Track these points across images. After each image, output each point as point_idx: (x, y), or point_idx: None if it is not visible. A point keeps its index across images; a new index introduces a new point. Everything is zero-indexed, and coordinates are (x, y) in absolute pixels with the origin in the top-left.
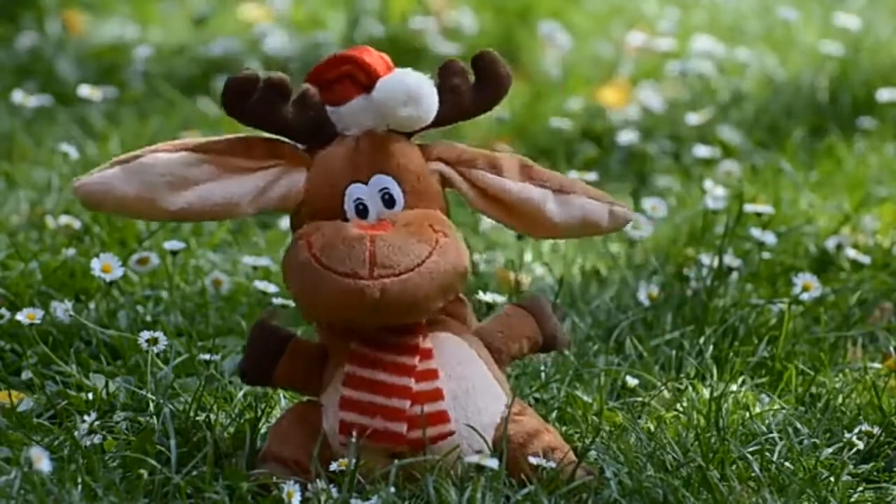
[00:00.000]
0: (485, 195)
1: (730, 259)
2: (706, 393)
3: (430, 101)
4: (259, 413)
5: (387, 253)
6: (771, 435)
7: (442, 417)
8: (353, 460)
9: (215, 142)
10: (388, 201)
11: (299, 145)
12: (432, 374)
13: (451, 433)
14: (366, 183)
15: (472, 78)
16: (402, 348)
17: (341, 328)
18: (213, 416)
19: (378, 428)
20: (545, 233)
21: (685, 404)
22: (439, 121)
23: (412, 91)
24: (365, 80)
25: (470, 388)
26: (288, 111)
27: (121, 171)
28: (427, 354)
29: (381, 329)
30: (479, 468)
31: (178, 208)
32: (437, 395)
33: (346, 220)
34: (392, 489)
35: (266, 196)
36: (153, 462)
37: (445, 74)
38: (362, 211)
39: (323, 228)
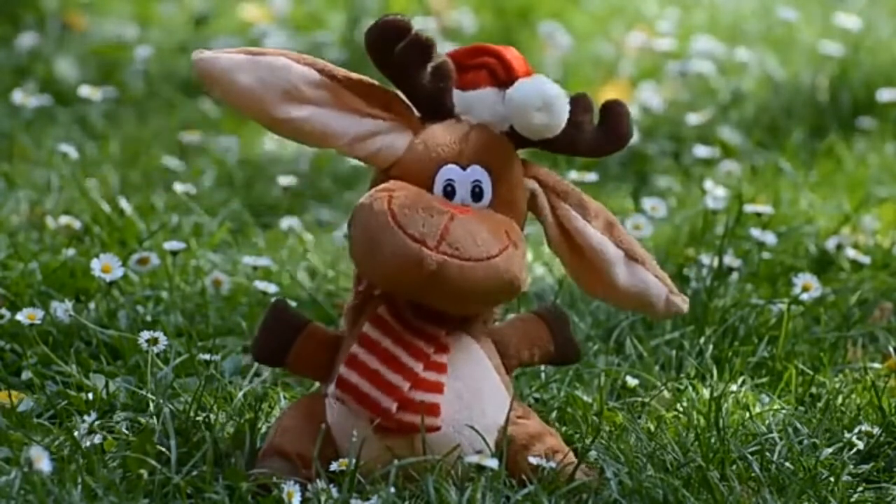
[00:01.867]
0: (564, 232)
1: (730, 259)
2: (706, 393)
3: (562, 113)
4: (259, 413)
5: (460, 235)
6: (771, 435)
7: (432, 409)
8: (354, 460)
9: (344, 73)
10: (477, 195)
11: (416, 110)
12: (441, 368)
13: (438, 428)
14: (464, 168)
15: (596, 119)
16: (423, 334)
17: (381, 294)
18: (213, 416)
19: (370, 396)
20: (603, 292)
21: (685, 404)
22: (552, 145)
23: (549, 99)
24: (502, 75)
25: (476, 390)
26: (423, 75)
27: (246, 59)
28: (443, 348)
29: (415, 308)
30: (480, 468)
31: (283, 117)
32: (436, 387)
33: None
34: (392, 489)
35: (365, 143)
36: (153, 462)
37: (574, 107)
38: (449, 193)
39: (408, 189)
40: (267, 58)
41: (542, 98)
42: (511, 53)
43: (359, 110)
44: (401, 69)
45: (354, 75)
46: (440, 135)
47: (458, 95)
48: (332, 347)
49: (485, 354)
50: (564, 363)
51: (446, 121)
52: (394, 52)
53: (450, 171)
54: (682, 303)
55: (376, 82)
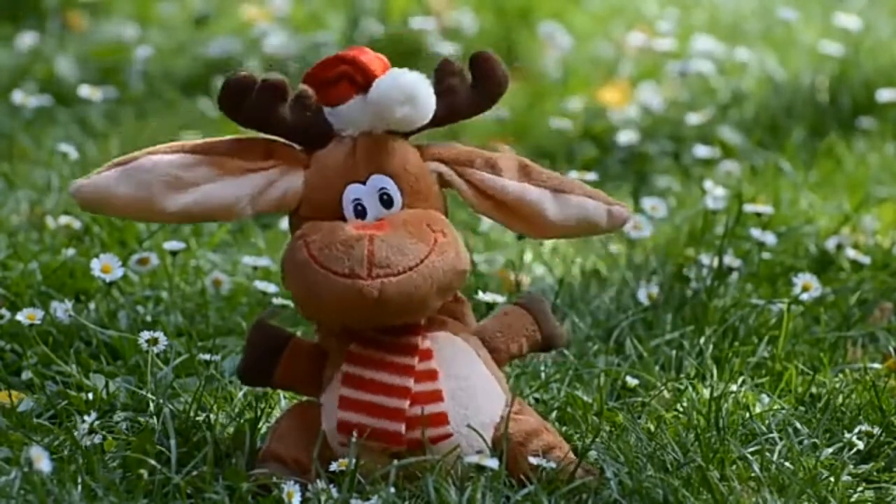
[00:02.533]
0: (483, 195)
1: (730, 259)
2: (706, 393)
3: (426, 100)
4: (259, 413)
5: (385, 253)
6: (771, 435)
7: (441, 419)
8: (353, 460)
9: (213, 143)
10: (387, 202)
11: (297, 146)
12: (432, 375)
13: (450, 435)
14: (364, 183)
15: (469, 78)
16: (401, 348)
17: (341, 329)
18: (213, 416)
19: (377, 427)
20: (543, 233)
21: (685, 404)
22: (436, 121)
23: (408, 90)
24: (362, 80)
25: (469, 388)
26: (285, 112)
27: (118, 173)
28: (426, 355)
29: (381, 329)
30: (480, 468)
31: (176, 209)
32: (436, 396)
33: (345, 220)
34: (392, 489)
35: (264, 197)
36: (153, 462)
37: (442, 74)
38: (361, 211)
39: (321, 228)
40: (136, 163)
41: (401, 91)
42: (364, 55)
43: (246, 169)
44: (262, 117)
45: (227, 138)
46: (329, 159)
47: (330, 113)
48: (318, 359)
49: (474, 353)
50: (553, 348)
51: (330, 144)
52: (248, 106)
53: (353, 191)
54: (624, 209)
55: (248, 136)
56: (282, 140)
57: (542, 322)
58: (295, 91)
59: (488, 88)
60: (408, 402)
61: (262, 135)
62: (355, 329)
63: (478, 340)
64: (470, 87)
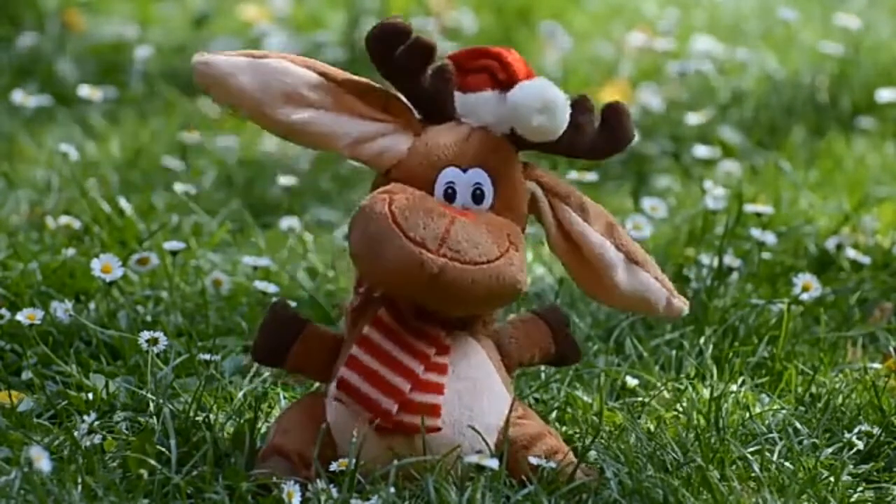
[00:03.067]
0: (563, 233)
1: (730, 259)
2: (706, 393)
3: (563, 116)
4: (259, 413)
5: (460, 238)
6: (771, 435)
7: (433, 410)
8: (353, 460)
9: (343, 76)
10: (478, 197)
11: (416, 112)
12: (442, 369)
13: (438, 429)
14: (464, 171)
15: (597, 121)
16: (423, 335)
17: (382, 295)
18: (213, 416)
19: (371, 398)
20: (604, 294)
21: (685, 404)
22: (554, 148)
23: (549, 101)
24: (503, 77)
25: (476, 389)
26: (425, 77)
27: (247, 62)
28: (444, 350)
29: (415, 310)
30: (480, 468)
31: (283, 120)
32: (437, 388)
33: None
34: (392, 489)
35: (366, 146)
36: (153, 462)
37: (575, 109)
38: (450, 195)
39: (410, 192)
40: (267, 60)
41: (543, 100)
42: (512, 56)
43: (360, 113)
44: (402, 72)
45: (355, 77)
46: (441, 137)
47: (458, 98)
48: (332, 348)
49: (486, 355)
50: (565, 363)
51: (447, 123)
52: (395, 55)
53: (451, 174)
54: (683, 305)
55: (377, 84)
56: (404, 100)
57: (559, 337)
58: (437, 62)
59: (612, 139)
60: (409, 386)
61: (390, 88)
62: (396, 298)
63: (493, 345)
64: (596, 131)
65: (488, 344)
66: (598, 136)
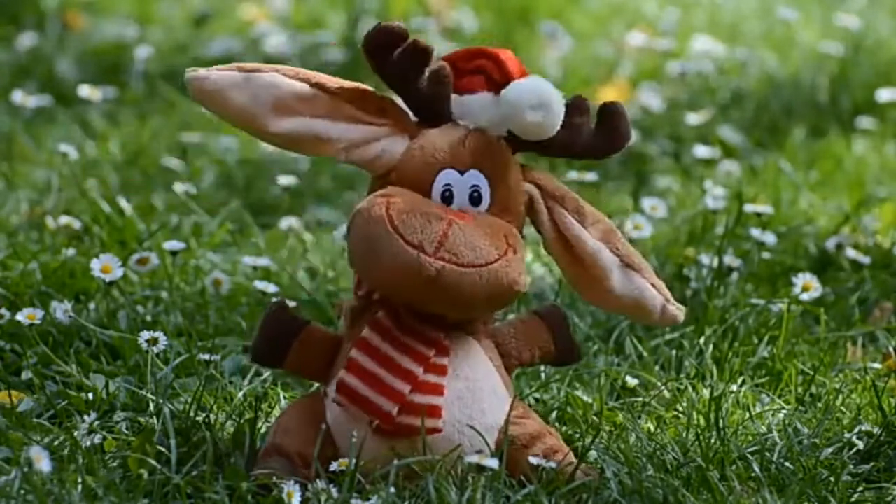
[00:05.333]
0: (559, 236)
1: (730, 259)
2: (706, 393)
3: (558, 112)
4: (259, 413)
5: (458, 241)
6: (771, 435)
7: (434, 412)
8: (354, 460)
9: (337, 84)
10: (476, 199)
11: (412, 115)
12: (441, 370)
13: (439, 430)
14: (461, 173)
15: (593, 122)
16: (423, 337)
17: (380, 297)
18: (213, 416)
19: (371, 401)
20: (599, 298)
21: (685, 404)
22: (550, 149)
23: (544, 98)
24: (498, 78)
25: (476, 390)
26: (421, 80)
27: (240, 77)
28: (443, 351)
29: (414, 313)
30: (480, 468)
31: (279, 131)
32: (437, 390)
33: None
34: (392, 489)
35: (361, 150)
36: (153, 462)
37: (571, 109)
38: (447, 198)
39: (407, 195)
40: (258, 74)
41: (538, 97)
42: (507, 56)
43: (354, 117)
44: (398, 75)
45: (348, 83)
46: (438, 139)
47: (454, 100)
48: (331, 348)
49: (486, 355)
50: (565, 363)
51: (443, 125)
52: (391, 60)
53: (448, 176)
54: (678, 312)
55: (371, 88)
56: (400, 103)
57: (559, 336)
58: (434, 65)
59: (609, 140)
60: (409, 388)
61: (386, 91)
62: (394, 301)
63: (492, 345)
64: (592, 132)
65: (488, 344)
66: (594, 137)
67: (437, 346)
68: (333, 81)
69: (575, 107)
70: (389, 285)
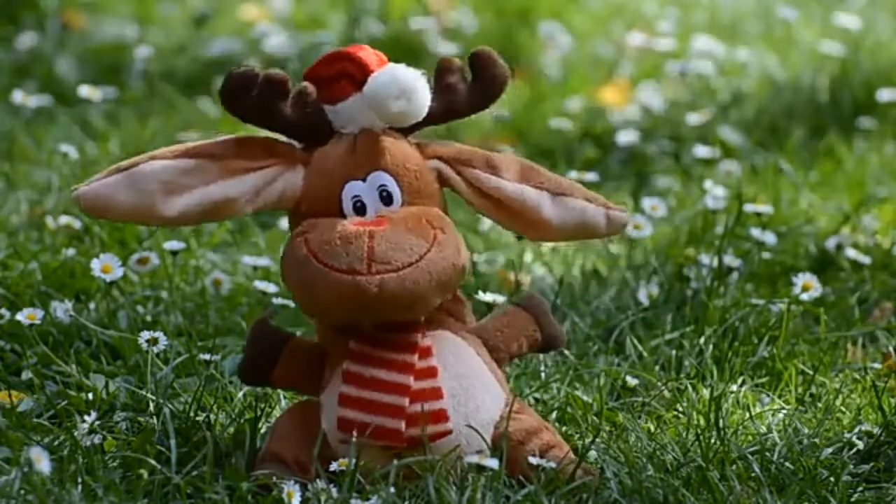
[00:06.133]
0: (481, 194)
1: (730, 259)
2: (706, 393)
3: (422, 95)
4: (259, 413)
5: (385, 249)
6: (771, 435)
7: (440, 416)
8: (353, 460)
9: (213, 144)
10: (386, 199)
11: (296, 143)
12: (431, 372)
13: (449, 432)
14: (364, 180)
15: (469, 76)
16: (400, 346)
17: (341, 326)
18: (213, 416)
19: (377, 425)
20: (541, 234)
21: (685, 404)
22: (435, 119)
23: (403, 85)
24: (360, 76)
25: (469, 386)
26: (286, 109)
27: (118, 179)
28: (426, 353)
29: (380, 327)
30: (480, 468)
31: (176, 214)
32: (436, 393)
33: (344, 217)
34: (392, 489)
35: (264, 195)
36: (153, 462)
37: (441, 72)
38: (360, 208)
39: (320, 225)
40: (136, 168)
41: (397, 85)
42: (364, 52)
43: (245, 168)
44: (263, 112)
45: (226, 138)
46: (329, 157)
47: (329, 111)
48: (317, 359)
49: (474, 352)
50: (552, 348)
51: (329, 141)
52: (250, 101)
53: (353, 188)
54: (622, 213)
55: (249, 135)
56: (282, 138)
57: (543, 323)
58: (295, 88)
59: (488, 87)
60: (407, 400)
61: (262, 133)
62: (356, 326)
63: (477, 339)
64: (470, 85)
65: (474, 340)
66: (473, 90)
67: (417, 349)
68: (210, 144)
69: (444, 69)
70: (340, 315)
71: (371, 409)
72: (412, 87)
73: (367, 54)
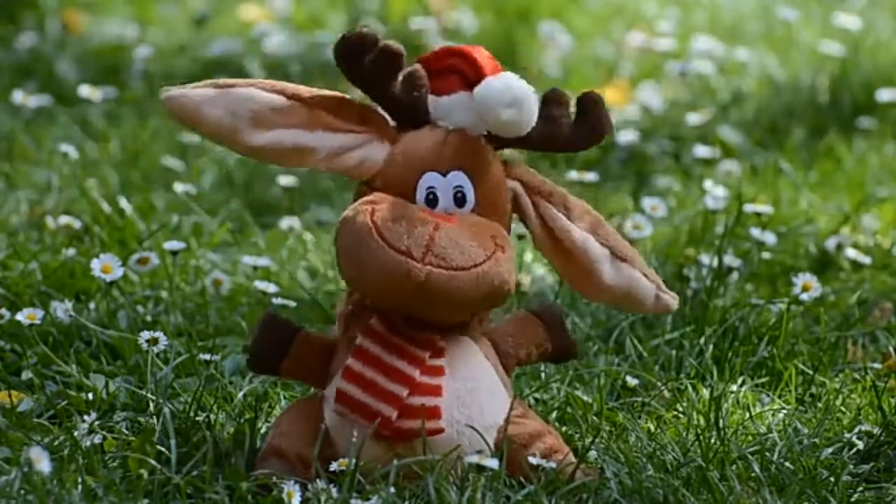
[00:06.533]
0: (547, 231)
1: (730, 259)
2: (706, 393)
3: (532, 109)
4: (259, 413)
5: (445, 244)
6: (771, 435)
7: (433, 412)
8: (353, 460)
9: (313, 94)
10: (460, 200)
11: (391, 120)
12: (438, 371)
13: (441, 430)
14: (444, 175)
15: (573, 113)
16: (417, 340)
17: (371, 305)
18: (213, 416)
19: (370, 407)
20: (591, 291)
21: (685, 404)
22: (529, 143)
23: (517, 95)
24: (472, 76)
25: (475, 389)
26: (396, 84)
27: (214, 93)
28: (439, 352)
29: (406, 319)
30: (480, 468)
31: (258, 145)
32: (435, 391)
33: (414, 204)
34: (392, 489)
35: (343, 157)
36: (153, 462)
37: (549, 102)
38: (432, 201)
39: (391, 201)
40: (234, 89)
41: (511, 94)
42: (479, 53)
43: (333, 126)
44: (372, 81)
45: (325, 92)
46: (418, 143)
47: (432, 101)
48: (326, 352)
49: (483, 355)
50: (563, 360)
51: (423, 128)
52: (363, 66)
53: (431, 179)
54: (672, 300)
55: (347, 96)
56: (379, 109)
57: (555, 333)
58: (407, 69)
59: (589, 131)
60: (407, 391)
61: (360, 97)
62: (385, 308)
63: (489, 344)
64: (572, 124)
65: (485, 344)
66: (575, 128)
67: (432, 347)
68: (310, 92)
69: (552, 100)
70: (379, 293)
71: (370, 389)
72: (525, 99)
73: (483, 56)
